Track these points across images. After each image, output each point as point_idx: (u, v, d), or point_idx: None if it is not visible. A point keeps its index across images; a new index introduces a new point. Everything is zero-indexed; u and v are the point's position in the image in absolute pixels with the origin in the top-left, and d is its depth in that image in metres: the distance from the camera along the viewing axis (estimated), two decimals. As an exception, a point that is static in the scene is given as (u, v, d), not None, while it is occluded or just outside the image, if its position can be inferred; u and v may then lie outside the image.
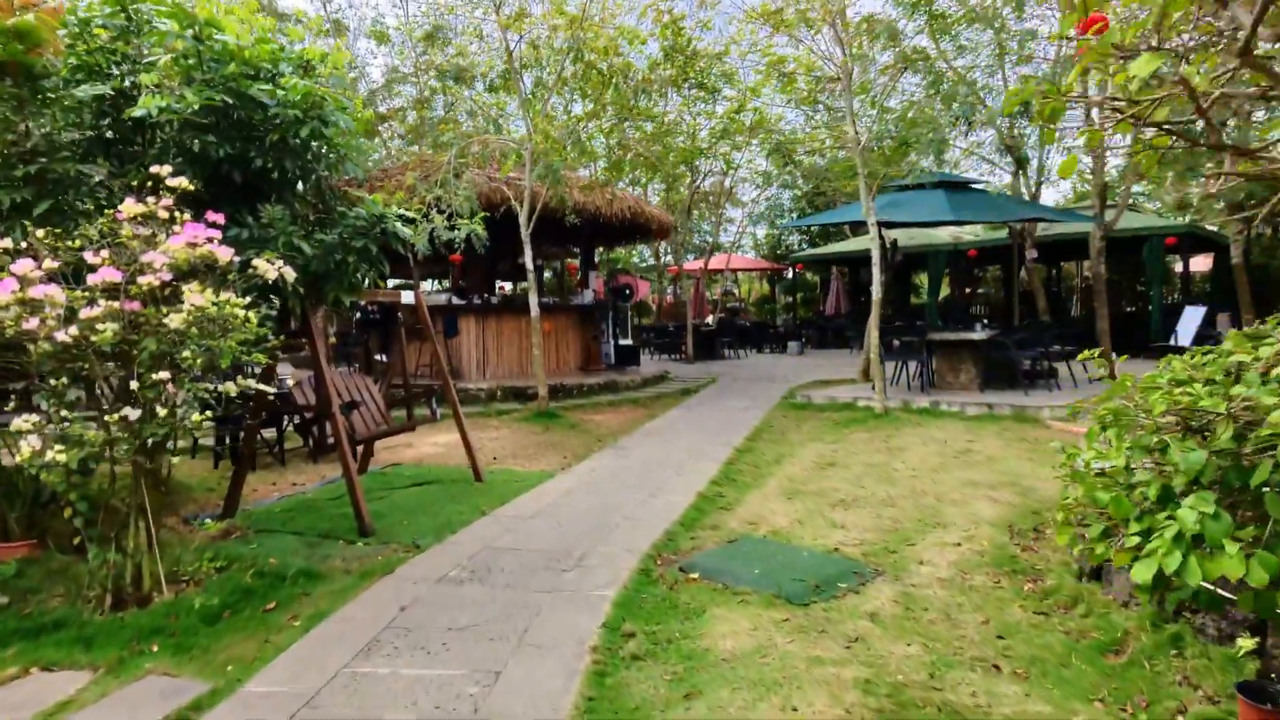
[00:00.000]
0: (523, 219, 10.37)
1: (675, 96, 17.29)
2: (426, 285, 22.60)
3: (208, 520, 5.76)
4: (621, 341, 15.73)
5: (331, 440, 6.23)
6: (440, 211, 9.14)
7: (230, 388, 4.19)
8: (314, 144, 5.14)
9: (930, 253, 18.41)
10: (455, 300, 13.46)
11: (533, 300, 10.62)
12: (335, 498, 6.61)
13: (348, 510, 5.94)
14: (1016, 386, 10.46)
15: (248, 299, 4.31)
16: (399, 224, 5.40)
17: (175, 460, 8.05)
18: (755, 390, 13.05)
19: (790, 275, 31.74)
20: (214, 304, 3.84)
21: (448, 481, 7.18)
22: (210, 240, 3.83)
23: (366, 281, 5.54)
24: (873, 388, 10.91)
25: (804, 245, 31.25)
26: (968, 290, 25.06)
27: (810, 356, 20.70)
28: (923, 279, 29.07)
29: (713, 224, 32.19)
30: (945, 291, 25.70)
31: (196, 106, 4.59)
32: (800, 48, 14.44)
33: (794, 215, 27.29)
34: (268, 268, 4.29)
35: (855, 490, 6.29)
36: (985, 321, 16.46)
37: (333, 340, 14.26)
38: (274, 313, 4.84)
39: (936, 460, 7.19)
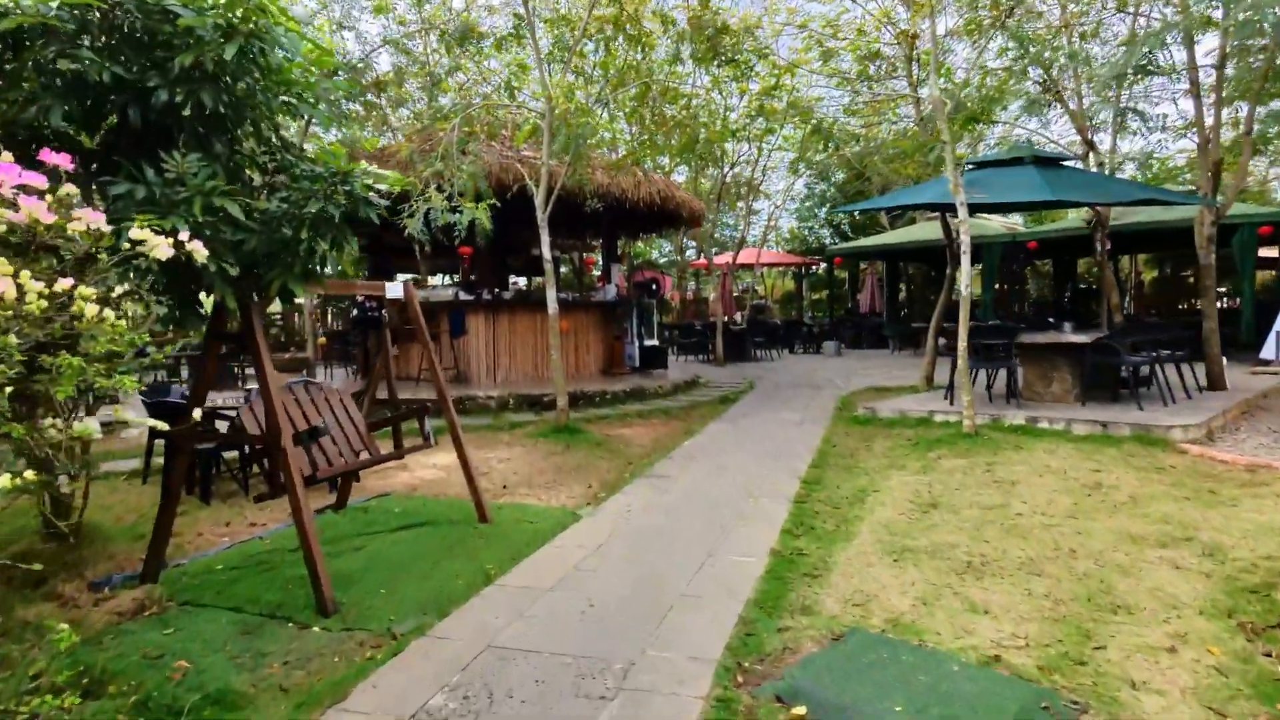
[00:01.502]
0: (539, 200, 8.86)
1: (704, 76, 15.82)
2: (435, 280, 21.16)
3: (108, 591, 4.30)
4: (647, 342, 14.23)
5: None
6: (440, 190, 7.67)
7: (89, 428, 2.71)
8: (247, 73, 3.67)
9: (984, 244, 16.77)
10: (463, 295, 12.00)
11: (550, 295, 9.12)
12: (298, 548, 5.13)
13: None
14: (1120, 399, 8.87)
15: (123, 289, 2.85)
16: (371, 185, 3.90)
17: (117, 486, 6.66)
18: (802, 399, 11.50)
19: (820, 270, 30.13)
20: (44, 295, 2.36)
21: (444, 523, 5.69)
22: (24, 190, 2.34)
23: (328, 266, 4.05)
24: (947, 398, 9.35)
25: (834, 240, 29.62)
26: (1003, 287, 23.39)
27: (849, 358, 19.12)
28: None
29: (738, 216, 30.67)
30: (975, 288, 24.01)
31: (56, 6, 3.12)
32: (857, 9, 12.90)
33: (830, 206, 25.53)
34: (154, 241, 2.80)
35: (978, 546, 4.74)
36: (1052, 319, 14.84)
37: (322, 341, 12.85)
38: (162, 310, 3.36)
39: (1066, 500, 5.62)
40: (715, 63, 13.79)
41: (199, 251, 3.04)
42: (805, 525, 5.26)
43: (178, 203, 3.30)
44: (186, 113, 3.42)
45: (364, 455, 5.33)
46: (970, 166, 10.27)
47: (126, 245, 2.81)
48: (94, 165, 3.72)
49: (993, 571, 4.34)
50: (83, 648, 3.42)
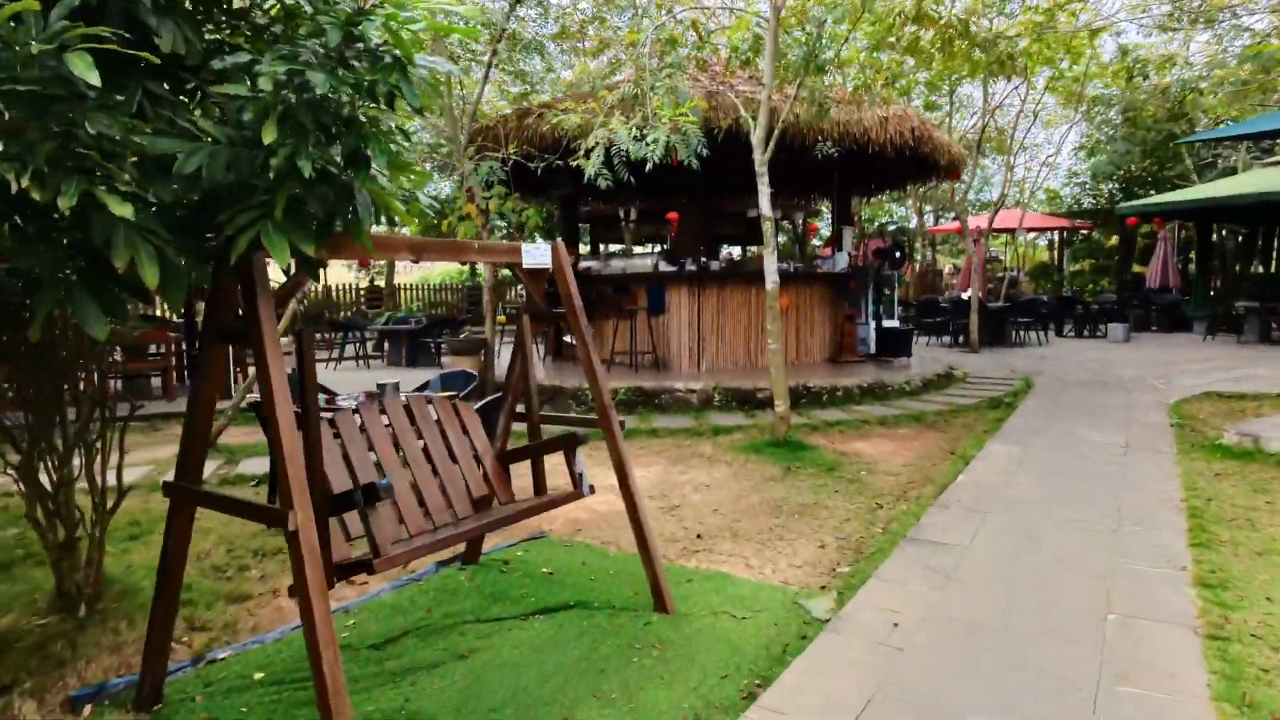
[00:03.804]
0: (756, 139, 6.65)
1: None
2: (640, 251, 19.55)
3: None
4: (886, 323, 11.57)
5: (357, 555, 2.93)
6: (626, 120, 5.69)
7: None
8: None
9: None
10: (663, 265, 10.09)
11: (769, 264, 6.91)
12: (384, 643, 3.43)
13: (389, 689, 2.79)
14: None
15: None
16: (407, 36, 1.93)
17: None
18: (1110, 407, 8.42)
19: (1094, 235, 25.28)
20: None
21: (604, 606, 3.77)
22: None
23: (358, 209, 2.14)
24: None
25: (1117, 198, 24.50)
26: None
27: (1142, 344, 15.13)
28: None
29: (985, 174, 26.40)
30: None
31: None
32: None
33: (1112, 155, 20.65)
34: None
35: None
36: None
37: (502, 319, 11.47)
38: None
39: None
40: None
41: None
42: (1263, 710, 2.71)
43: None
44: None
45: (462, 524, 3.48)
46: None
47: None
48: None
49: None
50: None
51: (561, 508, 5.35)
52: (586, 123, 5.46)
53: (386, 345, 14.46)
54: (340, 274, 26.08)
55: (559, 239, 5.73)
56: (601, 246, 20.89)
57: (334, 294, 22.78)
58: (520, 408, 4.04)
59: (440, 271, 30.64)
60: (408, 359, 13.55)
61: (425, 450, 3.54)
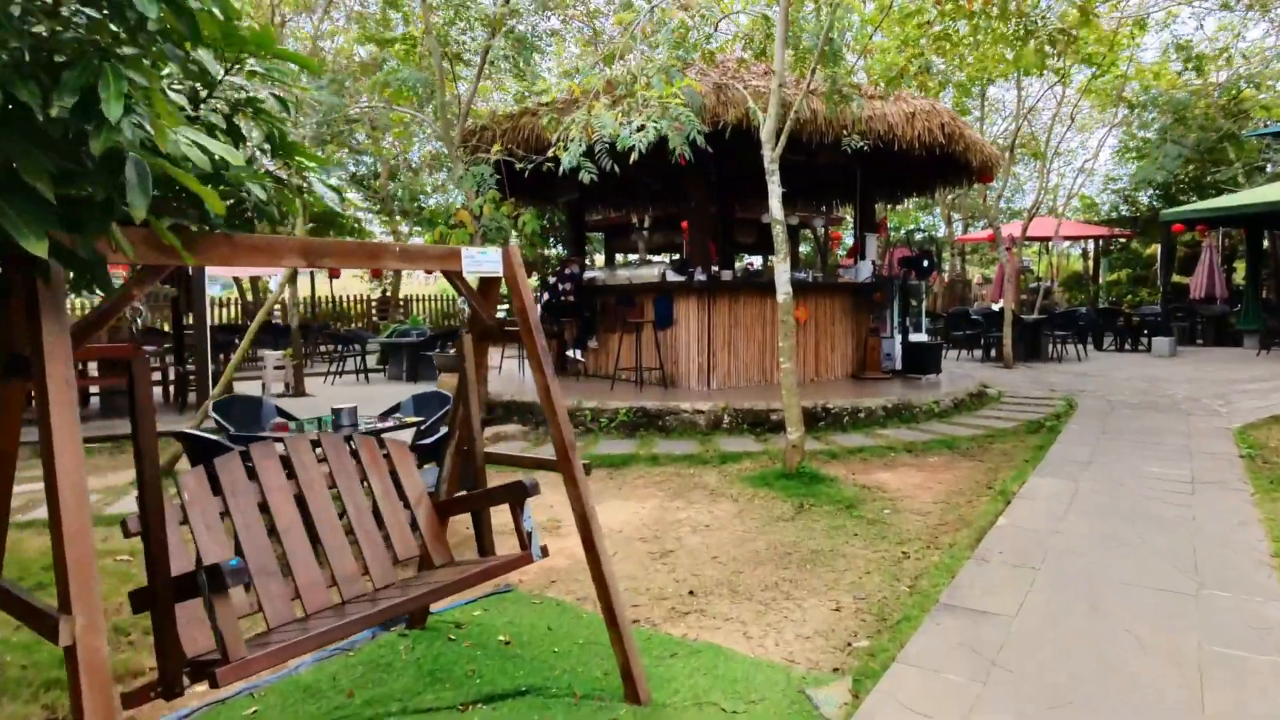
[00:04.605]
0: (766, 133, 5.93)
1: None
2: (657, 259, 18.85)
3: None
4: (913, 337, 10.76)
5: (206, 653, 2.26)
6: (612, 105, 5.01)
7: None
8: None
9: None
10: (671, 275, 9.39)
11: (781, 272, 6.17)
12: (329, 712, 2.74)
13: None
14: None
15: None
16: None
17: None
18: (1162, 430, 7.56)
19: (1134, 244, 24.16)
20: None
21: (564, 694, 3.05)
22: None
23: (127, 185, 1.46)
24: None
25: (1157, 204, 23.36)
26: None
27: (1189, 358, 14.16)
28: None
29: (1017, 180, 25.45)
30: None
31: None
32: None
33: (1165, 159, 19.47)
34: None
35: None
36: None
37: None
38: None
39: None
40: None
41: None
42: None
43: None
44: None
45: (389, 597, 2.79)
46: None
47: None
48: None
49: None
50: None
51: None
52: (568, 109, 4.81)
53: (389, 363, 13.91)
54: (354, 284, 25.66)
55: (512, 243, 5.06)
56: (618, 256, 20.22)
57: (343, 304, 22.35)
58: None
59: (459, 282, 30.06)
60: (408, 373, 12.97)
61: (344, 503, 2.87)
